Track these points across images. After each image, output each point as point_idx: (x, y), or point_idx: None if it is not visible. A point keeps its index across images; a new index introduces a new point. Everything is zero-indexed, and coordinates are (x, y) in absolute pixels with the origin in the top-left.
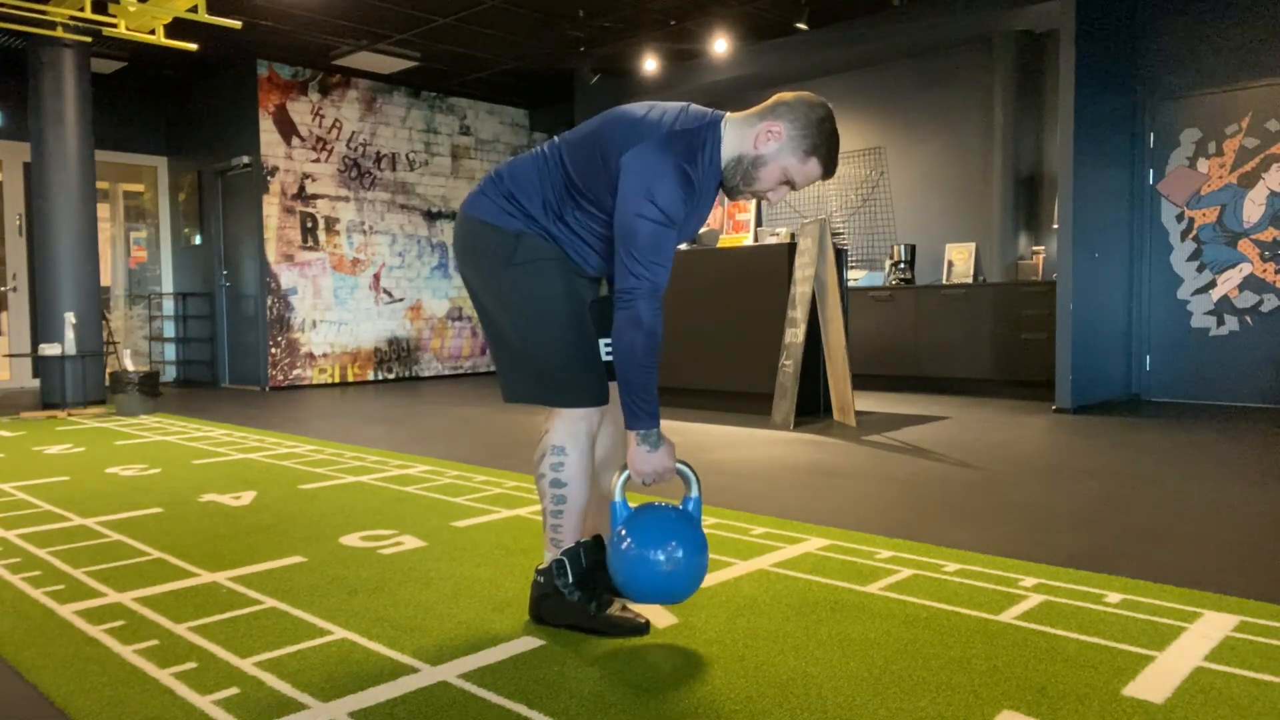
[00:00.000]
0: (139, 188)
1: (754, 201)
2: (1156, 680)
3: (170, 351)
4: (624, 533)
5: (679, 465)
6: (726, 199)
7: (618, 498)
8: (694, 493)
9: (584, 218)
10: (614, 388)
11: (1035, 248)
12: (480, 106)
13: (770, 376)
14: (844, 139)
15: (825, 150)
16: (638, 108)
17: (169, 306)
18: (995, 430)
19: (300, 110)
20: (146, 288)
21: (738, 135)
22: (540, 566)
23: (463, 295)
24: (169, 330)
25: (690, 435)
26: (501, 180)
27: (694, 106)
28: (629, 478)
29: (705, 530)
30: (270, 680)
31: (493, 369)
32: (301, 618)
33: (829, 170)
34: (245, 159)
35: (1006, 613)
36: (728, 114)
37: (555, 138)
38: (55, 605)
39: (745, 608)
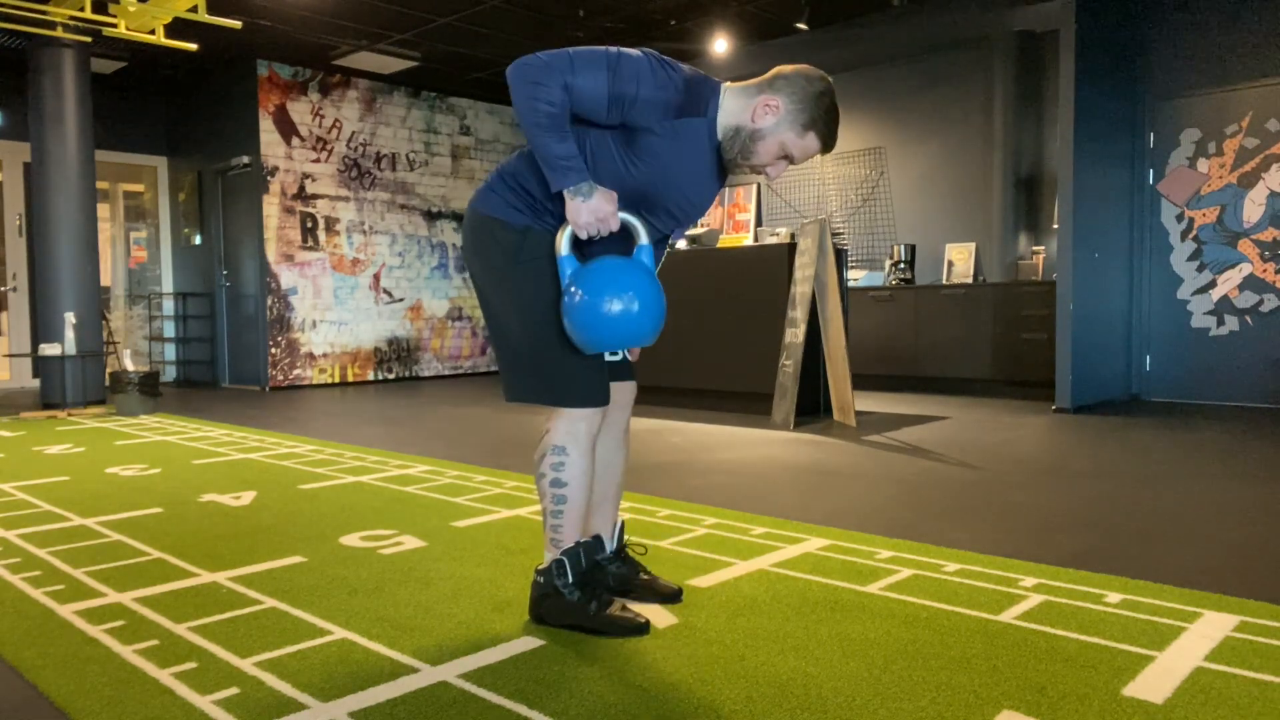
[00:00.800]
0: (139, 188)
1: (754, 201)
2: (1156, 680)
3: (170, 351)
4: (573, 287)
5: (622, 215)
6: (725, 191)
7: (564, 252)
8: (642, 239)
9: None
10: (615, 388)
11: (1035, 248)
12: (480, 106)
13: (770, 376)
14: (844, 139)
15: (824, 124)
16: None
17: (169, 306)
18: (995, 430)
19: (300, 110)
20: (146, 288)
21: (736, 105)
22: (540, 566)
23: (463, 295)
24: (169, 330)
25: (690, 435)
26: (508, 173)
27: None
28: (571, 231)
29: (706, 530)
30: (270, 680)
31: (493, 369)
32: (301, 618)
33: (828, 145)
34: (245, 159)
35: (1006, 613)
36: (726, 82)
37: None
38: (55, 605)
39: (745, 608)
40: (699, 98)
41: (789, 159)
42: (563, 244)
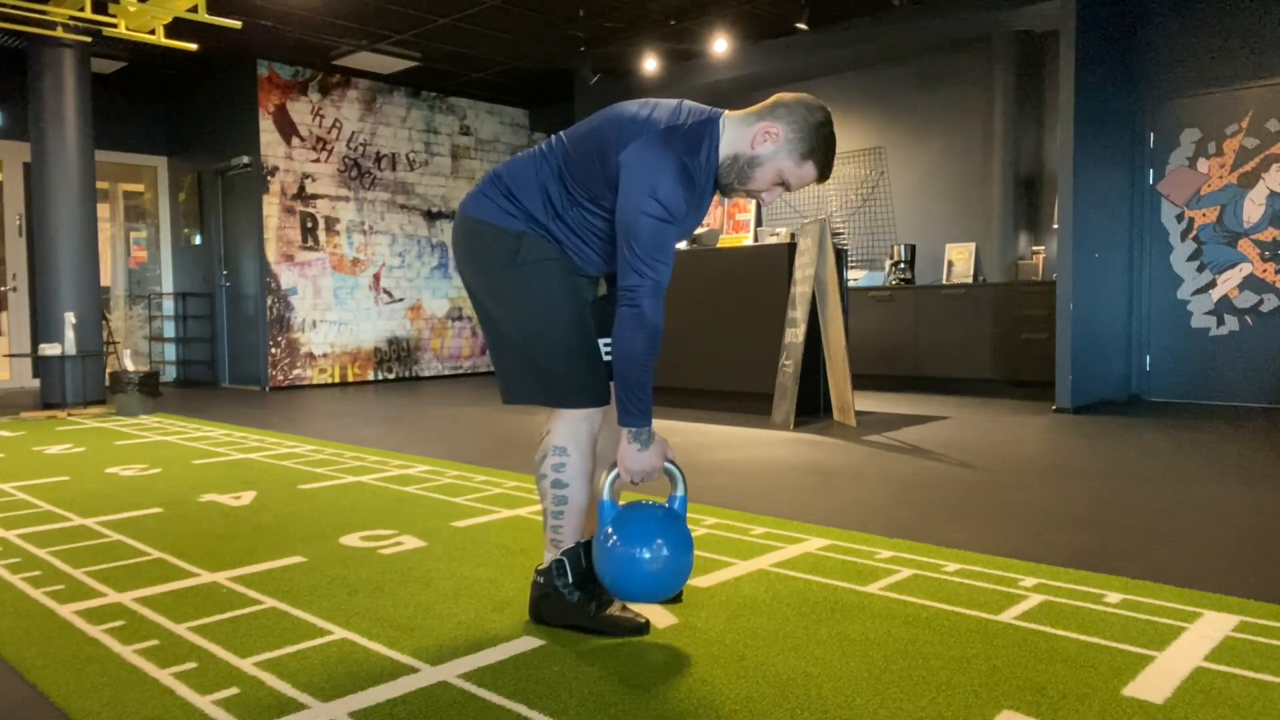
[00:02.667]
0: (139, 188)
1: (754, 201)
2: (1156, 680)
3: (170, 351)
4: (610, 531)
5: (666, 464)
6: (724, 199)
7: (606, 496)
8: (679, 491)
9: (583, 215)
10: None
11: (1035, 248)
12: (480, 106)
13: (770, 376)
14: (844, 139)
15: (822, 154)
16: (635, 105)
17: (169, 306)
18: (995, 430)
19: (300, 110)
20: (146, 288)
21: (735, 134)
22: (540, 567)
23: (463, 295)
24: (169, 330)
25: (690, 435)
26: (501, 180)
27: (689, 103)
28: (617, 475)
29: (706, 530)
30: (270, 680)
31: (493, 369)
32: (301, 618)
33: (824, 174)
34: (245, 159)
35: (1006, 613)
36: (726, 111)
37: (553, 136)
38: (55, 605)
39: (745, 608)
40: (705, 146)
41: (785, 186)
42: (605, 489)
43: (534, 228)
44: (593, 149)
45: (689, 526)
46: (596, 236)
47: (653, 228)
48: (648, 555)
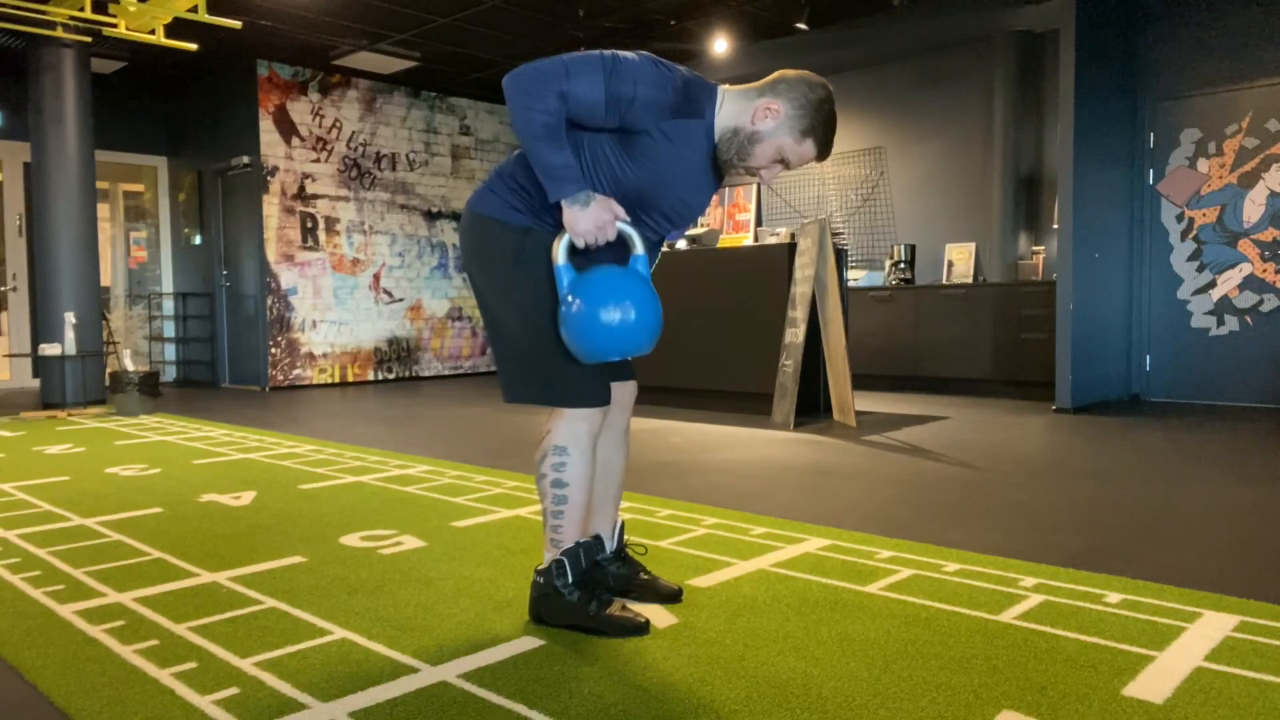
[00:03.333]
0: (139, 188)
1: (754, 201)
2: (1156, 680)
3: (170, 351)
4: (570, 296)
5: (620, 225)
6: (725, 191)
7: (560, 261)
8: (638, 250)
9: (591, 183)
10: (615, 388)
11: (1035, 248)
12: (480, 106)
13: (770, 376)
14: (844, 139)
15: (822, 132)
16: None
17: (169, 306)
18: (995, 430)
19: (300, 110)
20: (146, 288)
21: (735, 108)
22: (540, 567)
23: (463, 295)
24: (169, 330)
25: (690, 435)
26: (507, 174)
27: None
28: (569, 240)
29: (706, 530)
30: (270, 680)
31: (493, 369)
32: (301, 618)
33: (824, 152)
34: (245, 159)
35: (1006, 613)
36: (725, 85)
37: None
38: (55, 605)
39: (745, 608)
40: (696, 100)
41: (784, 163)
42: (559, 253)
43: (540, 222)
44: (585, 130)
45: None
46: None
47: (586, 59)
48: (616, 314)
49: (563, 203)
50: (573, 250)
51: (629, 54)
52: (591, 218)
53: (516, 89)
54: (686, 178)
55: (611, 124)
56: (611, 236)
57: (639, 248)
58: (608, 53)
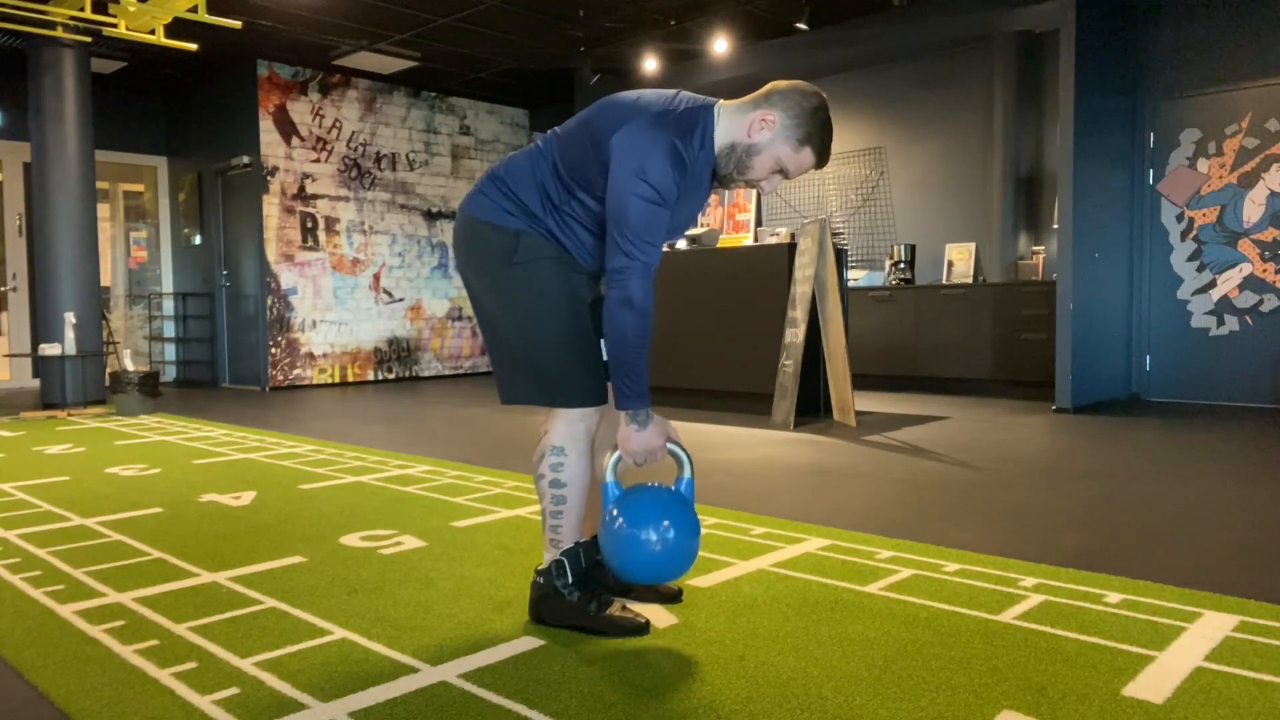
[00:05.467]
0: (139, 188)
1: (754, 202)
2: (1156, 680)
3: (170, 351)
4: (615, 512)
5: (670, 446)
6: (724, 191)
7: (610, 478)
8: (686, 474)
9: (580, 208)
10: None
11: (1035, 248)
12: (480, 106)
13: (770, 376)
14: (844, 139)
15: (819, 140)
16: (628, 94)
17: (169, 306)
18: (995, 430)
19: (300, 110)
20: (146, 288)
21: (731, 123)
22: (540, 567)
23: (463, 295)
24: (169, 330)
25: (690, 435)
26: (498, 178)
27: (685, 92)
28: (620, 458)
29: (705, 530)
30: (270, 680)
31: (492, 369)
32: (301, 618)
33: (822, 160)
34: (245, 159)
35: (1006, 613)
36: (720, 100)
37: (549, 131)
38: (55, 605)
39: (745, 608)
40: (699, 130)
41: (783, 173)
42: (608, 471)
43: (532, 225)
44: (586, 138)
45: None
46: (593, 229)
47: (641, 209)
48: (654, 537)
49: (623, 414)
50: (569, 266)
51: (651, 150)
52: (644, 441)
53: (619, 301)
54: (689, 207)
55: None
56: (659, 460)
57: (687, 471)
58: (645, 188)
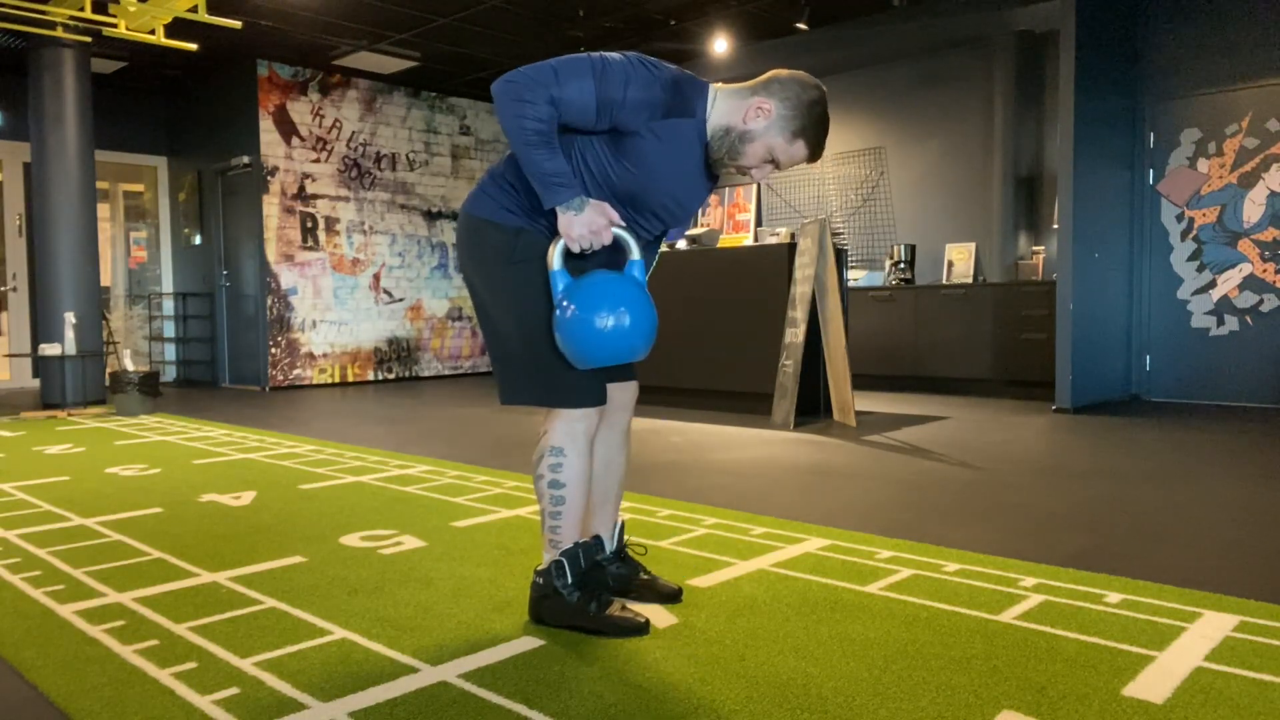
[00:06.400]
0: (139, 188)
1: (754, 201)
2: (1156, 680)
3: (170, 351)
4: (565, 301)
5: (615, 230)
6: (724, 191)
7: (555, 266)
8: (634, 255)
9: (581, 184)
10: (616, 388)
11: (1035, 248)
12: (480, 106)
13: (770, 376)
14: (844, 139)
15: (813, 134)
16: None
17: (169, 306)
18: (995, 430)
19: (300, 110)
20: (146, 288)
21: (728, 106)
22: (539, 567)
23: (463, 295)
24: (169, 330)
25: (690, 435)
26: (499, 175)
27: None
28: (564, 248)
29: (706, 530)
30: (270, 680)
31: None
32: (301, 618)
33: (814, 154)
34: (245, 159)
35: (1006, 613)
36: (718, 84)
37: None
38: (55, 605)
39: (745, 608)
40: (686, 99)
41: (775, 164)
42: (555, 258)
43: (532, 221)
44: (577, 132)
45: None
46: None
47: (577, 62)
48: (610, 319)
49: (557, 209)
50: (568, 255)
51: (617, 55)
52: (585, 222)
53: (507, 96)
54: (678, 176)
55: (603, 126)
56: (607, 240)
57: (635, 253)
58: (595, 55)
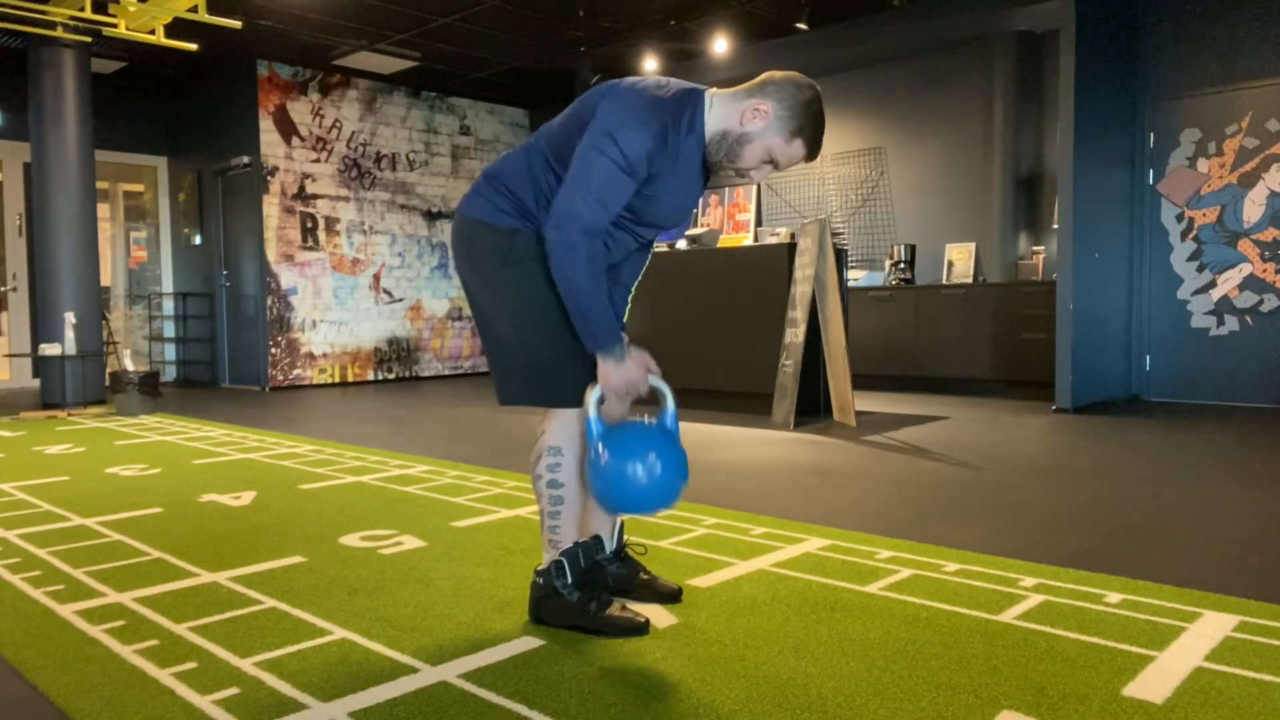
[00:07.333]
0: (139, 188)
1: (754, 201)
2: (1156, 680)
3: (170, 351)
4: (601, 448)
5: (652, 379)
6: (724, 191)
7: (592, 414)
8: (669, 407)
9: None
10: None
11: (1035, 248)
12: (480, 106)
13: (770, 376)
14: (844, 139)
15: (810, 132)
16: (620, 79)
17: (169, 306)
18: (995, 430)
19: (300, 110)
20: (146, 288)
21: (724, 110)
22: (539, 567)
23: (463, 295)
24: (169, 330)
25: (690, 435)
26: (493, 177)
27: (675, 80)
28: (602, 395)
29: (706, 530)
30: (270, 680)
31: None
32: (301, 618)
33: (812, 153)
34: (245, 159)
35: (1006, 613)
36: (713, 88)
37: (541, 128)
38: (55, 605)
39: (745, 608)
40: (688, 115)
41: (773, 164)
42: (590, 406)
43: (527, 223)
44: (575, 124)
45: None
46: None
47: (606, 169)
48: (641, 470)
49: (599, 355)
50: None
51: (628, 120)
52: (624, 375)
53: (562, 248)
54: (682, 190)
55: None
56: (644, 392)
57: (670, 404)
58: (614, 150)
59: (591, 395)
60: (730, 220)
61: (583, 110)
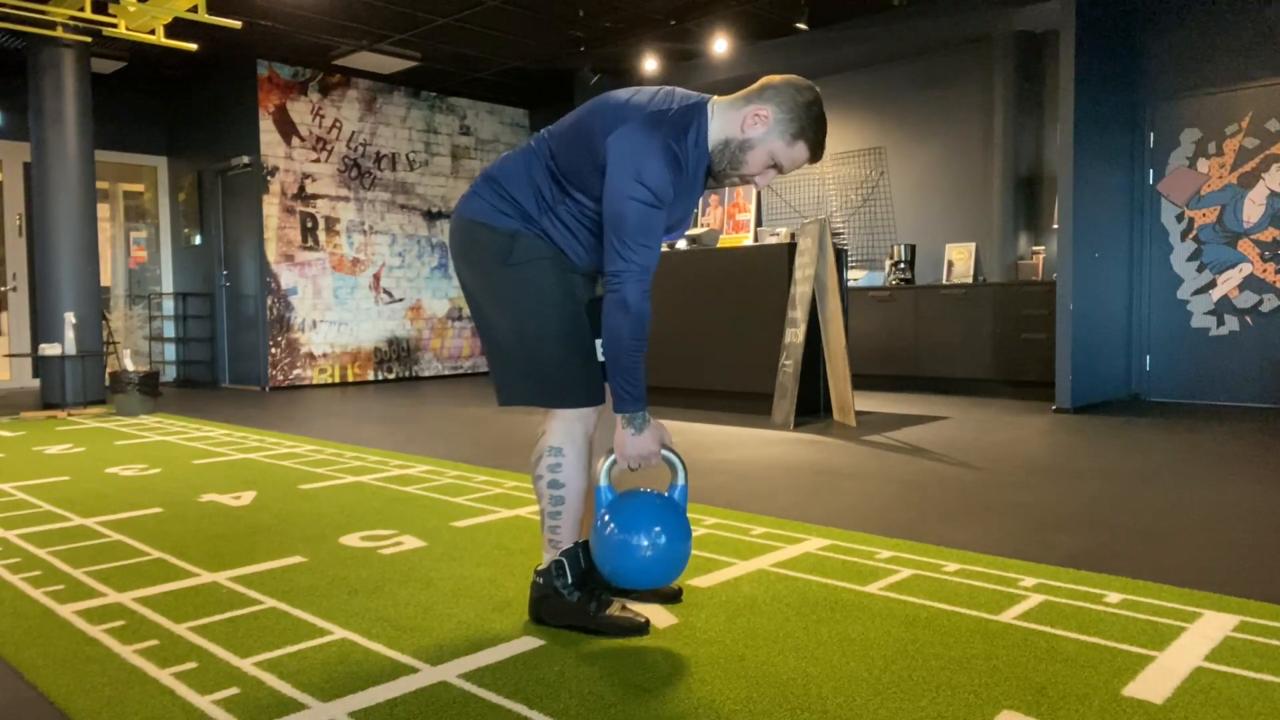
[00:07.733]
0: (139, 188)
1: (754, 201)
2: (1156, 680)
3: (170, 351)
4: (607, 517)
5: (665, 452)
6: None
7: (603, 482)
8: (680, 480)
9: (576, 208)
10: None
11: (1035, 248)
12: (480, 106)
13: (770, 376)
14: (844, 139)
15: (812, 134)
16: (621, 93)
17: (169, 306)
18: (995, 430)
19: (300, 110)
20: (146, 288)
21: (725, 119)
22: (539, 567)
23: (462, 295)
24: (169, 330)
25: (690, 435)
26: (493, 179)
27: (679, 90)
28: (614, 462)
29: (706, 530)
30: (270, 680)
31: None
32: (301, 618)
33: (816, 154)
34: (245, 159)
35: (1006, 613)
36: (714, 97)
37: (542, 131)
38: (55, 605)
39: (745, 608)
40: (693, 129)
41: (777, 168)
42: (601, 475)
43: (527, 226)
44: (580, 139)
45: (689, 517)
46: (590, 227)
47: (639, 212)
48: (645, 543)
49: (619, 418)
50: (563, 264)
51: (641, 155)
52: (640, 447)
53: (616, 304)
54: (687, 199)
55: None
56: (654, 465)
57: (680, 478)
58: (640, 191)
59: (604, 462)
60: (730, 220)
61: (588, 131)
